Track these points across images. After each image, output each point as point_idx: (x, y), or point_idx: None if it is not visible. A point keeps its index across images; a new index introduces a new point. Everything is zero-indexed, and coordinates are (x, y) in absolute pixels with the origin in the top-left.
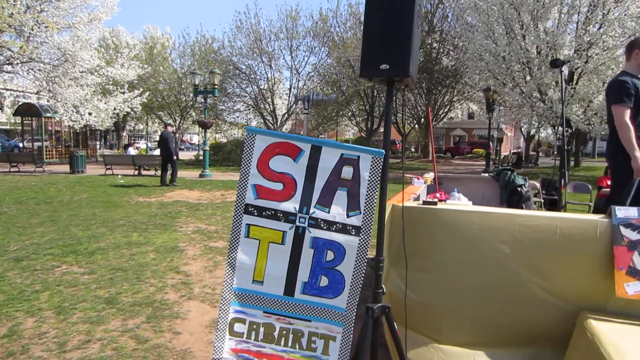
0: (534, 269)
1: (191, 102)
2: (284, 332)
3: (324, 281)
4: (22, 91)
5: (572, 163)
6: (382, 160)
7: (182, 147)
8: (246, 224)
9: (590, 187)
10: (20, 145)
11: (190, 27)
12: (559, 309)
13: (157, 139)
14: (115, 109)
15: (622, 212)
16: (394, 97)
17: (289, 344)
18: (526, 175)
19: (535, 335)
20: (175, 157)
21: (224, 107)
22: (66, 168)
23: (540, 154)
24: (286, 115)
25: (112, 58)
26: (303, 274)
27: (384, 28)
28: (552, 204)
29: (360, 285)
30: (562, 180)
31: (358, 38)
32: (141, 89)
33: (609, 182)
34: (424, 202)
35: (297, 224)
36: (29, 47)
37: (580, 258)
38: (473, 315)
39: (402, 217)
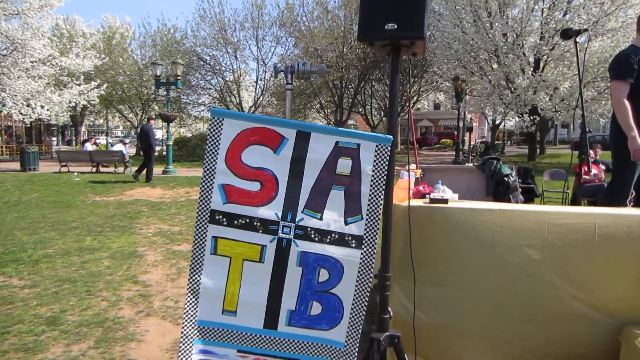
0: (569, 278)
1: (153, 95)
2: None
3: (316, 308)
4: None
5: (537, 151)
6: (389, 149)
7: None
8: (212, 236)
9: (566, 174)
10: None
11: (150, 16)
12: (599, 325)
13: (118, 134)
14: (70, 102)
15: None
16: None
17: None
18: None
19: (571, 357)
20: (154, 153)
21: (188, 100)
22: (17, 165)
23: (509, 142)
24: (253, 108)
25: (67, 48)
26: (289, 300)
27: None
28: (528, 193)
29: (364, 312)
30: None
31: (325, 28)
32: (99, 81)
33: (586, 169)
34: (432, 200)
35: (280, 235)
36: None
37: (625, 262)
38: (496, 336)
39: (407, 220)
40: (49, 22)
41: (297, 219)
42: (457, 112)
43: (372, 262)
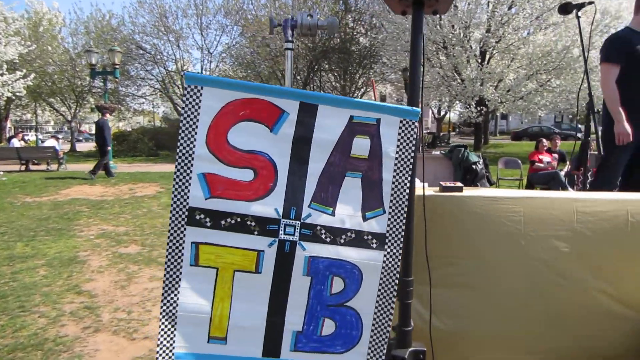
0: (600, 272)
1: (88, 87)
2: None
3: (328, 327)
4: None
5: (482, 141)
6: (416, 125)
7: (80, 138)
8: (192, 242)
9: (520, 162)
10: None
11: (82, 0)
12: (629, 322)
13: (49, 129)
14: None
15: None
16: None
17: None
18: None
19: (597, 356)
20: (108, 148)
21: (127, 92)
22: None
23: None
24: None
25: None
26: (294, 320)
27: None
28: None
29: (389, 329)
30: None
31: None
32: (25, 71)
33: (540, 157)
34: (444, 188)
35: (282, 236)
36: None
37: None
38: (519, 341)
39: (422, 211)
40: None
41: (302, 216)
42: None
43: (397, 266)
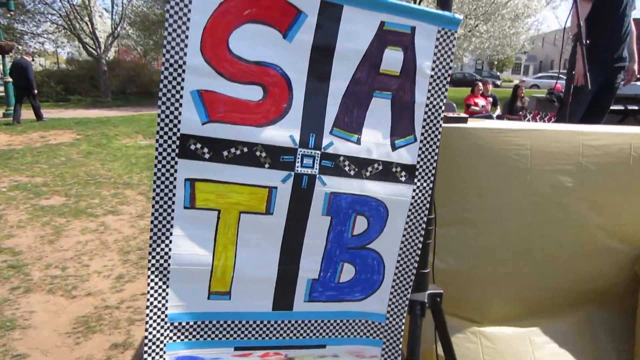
0: (600, 208)
1: None
2: None
3: (347, 272)
4: None
5: None
6: (455, 37)
7: None
8: (187, 179)
9: (455, 105)
10: None
11: None
12: (621, 255)
13: None
14: None
15: None
16: None
17: None
18: None
19: (593, 293)
20: (35, 91)
21: (24, 29)
22: None
23: None
24: (111, 37)
25: None
26: (310, 265)
27: None
28: None
29: (413, 271)
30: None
31: None
32: None
33: (476, 100)
34: (447, 119)
35: (299, 169)
36: None
37: None
38: (522, 278)
39: None
40: None
41: (323, 144)
42: None
43: (427, 202)
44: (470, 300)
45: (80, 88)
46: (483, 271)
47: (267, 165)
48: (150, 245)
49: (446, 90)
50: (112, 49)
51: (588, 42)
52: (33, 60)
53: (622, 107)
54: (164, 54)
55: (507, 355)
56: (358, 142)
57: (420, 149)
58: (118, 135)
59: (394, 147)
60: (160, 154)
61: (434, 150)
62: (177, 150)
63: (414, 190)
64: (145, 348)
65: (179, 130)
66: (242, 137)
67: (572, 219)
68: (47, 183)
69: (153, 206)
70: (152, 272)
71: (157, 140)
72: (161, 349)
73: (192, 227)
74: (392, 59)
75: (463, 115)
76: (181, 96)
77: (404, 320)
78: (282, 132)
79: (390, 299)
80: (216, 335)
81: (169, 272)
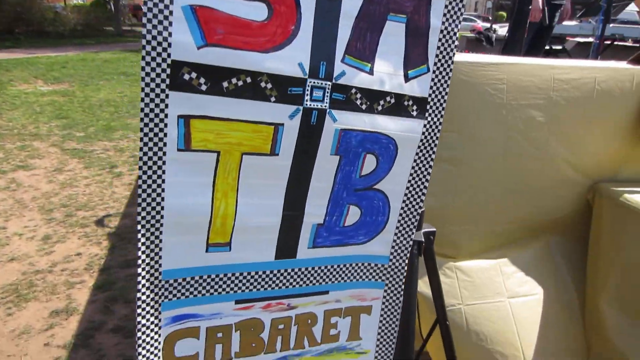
0: (566, 140)
1: None
2: (281, 325)
3: (353, 215)
4: None
5: None
6: None
7: None
8: (179, 116)
9: None
10: None
11: None
12: (579, 186)
13: None
14: None
15: None
16: None
17: (292, 345)
18: None
19: (552, 223)
20: None
21: None
22: None
23: None
24: None
25: None
26: (315, 210)
27: None
28: None
29: (420, 210)
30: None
31: None
32: None
33: None
34: None
35: (308, 104)
36: None
37: (615, 119)
38: (493, 212)
39: None
40: None
41: (334, 74)
42: None
43: (437, 138)
44: (447, 237)
45: None
46: (460, 207)
47: (273, 99)
48: (140, 196)
49: (462, 14)
50: None
51: None
52: None
53: (548, 47)
54: None
55: (481, 287)
56: (371, 71)
57: (432, 80)
58: (13, 81)
59: (407, 78)
60: (147, 85)
61: (446, 81)
62: (167, 81)
63: (425, 126)
64: (139, 310)
65: (169, 55)
66: (246, 65)
67: (542, 153)
68: None
69: (141, 149)
70: (143, 227)
71: (142, 69)
72: (156, 309)
73: (187, 173)
74: None
75: None
76: (170, 12)
77: (406, 261)
78: (290, 60)
79: (394, 240)
80: (215, 290)
81: (161, 224)
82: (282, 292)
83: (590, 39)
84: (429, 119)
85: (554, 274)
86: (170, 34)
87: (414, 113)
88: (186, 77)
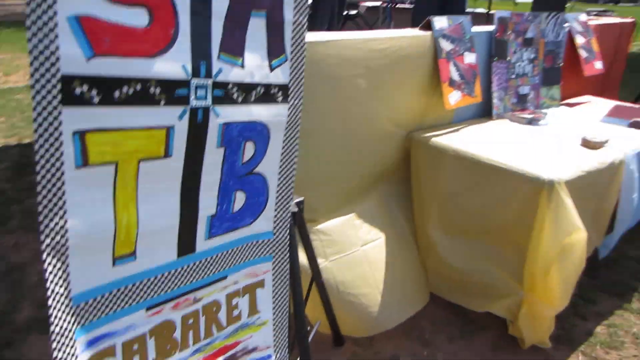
0: (385, 101)
1: None
2: (191, 320)
3: (239, 200)
4: None
5: None
6: None
7: None
8: (75, 132)
9: None
10: None
11: None
12: (400, 138)
13: None
14: None
15: (438, 23)
16: None
17: (202, 336)
18: None
19: (383, 173)
20: None
21: None
22: None
23: None
24: None
25: None
26: (208, 203)
27: None
28: None
29: (293, 185)
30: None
31: None
32: None
33: None
34: None
35: (194, 103)
36: None
37: (415, 79)
38: (340, 173)
39: None
40: None
41: (214, 72)
42: None
43: (299, 119)
44: (307, 203)
45: None
46: (314, 174)
47: (162, 102)
48: (42, 222)
49: (307, 8)
50: None
51: None
52: None
53: (345, 13)
54: None
55: (339, 242)
56: (242, 65)
57: (291, 67)
58: None
59: (271, 68)
60: (38, 103)
61: (302, 67)
62: (59, 97)
63: (289, 110)
64: (54, 345)
65: (58, 70)
66: (135, 72)
67: (369, 115)
68: None
69: (38, 172)
70: (48, 254)
71: (32, 86)
72: (71, 339)
73: (88, 190)
74: None
75: None
76: (56, 24)
77: (287, 232)
78: (174, 62)
79: (275, 215)
80: (126, 303)
81: (67, 248)
82: (187, 288)
83: (378, 3)
84: (292, 102)
85: (389, 215)
86: (57, 47)
87: (279, 99)
88: (78, 90)
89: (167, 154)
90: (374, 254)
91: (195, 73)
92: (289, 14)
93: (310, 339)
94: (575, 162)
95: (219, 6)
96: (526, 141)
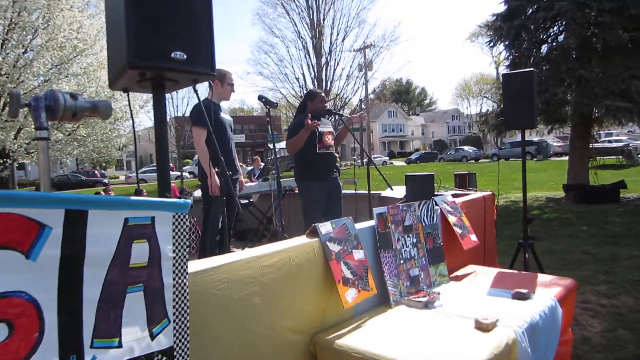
0: (284, 311)
1: None
2: None
3: None
4: None
5: None
6: (187, 218)
7: None
8: None
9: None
10: None
11: None
12: (301, 344)
13: None
14: None
15: (323, 228)
16: None
17: None
18: None
19: None
20: None
21: None
22: None
23: None
24: None
25: None
26: None
27: None
28: None
29: None
30: None
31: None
32: None
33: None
34: None
35: None
36: None
37: (310, 282)
38: None
39: None
40: None
41: None
42: None
43: None
44: None
45: None
46: None
47: None
48: None
49: (187, 268)
50: None
51: None
52: None
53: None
54: None
55: None
56: (120, 345)
57: (175, 328)
58: None
59: (152, 337)
60: None
61: (186, 326)
62: None
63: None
64: None
65: None
66: None
67: (268, 330)
68: None
69: None
70: None
71: None
72: None
73: None
74: (139, 252)
75: None
76: None
77: None
78: None
79: None
80: None
81: None
82: None
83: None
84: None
85: None
86: None
87: None
88: None
89: None
90: None
91: None
92: (167, 277)
93: None
94: (472, 354)
95: (91, 293)
96: (425, 330)
